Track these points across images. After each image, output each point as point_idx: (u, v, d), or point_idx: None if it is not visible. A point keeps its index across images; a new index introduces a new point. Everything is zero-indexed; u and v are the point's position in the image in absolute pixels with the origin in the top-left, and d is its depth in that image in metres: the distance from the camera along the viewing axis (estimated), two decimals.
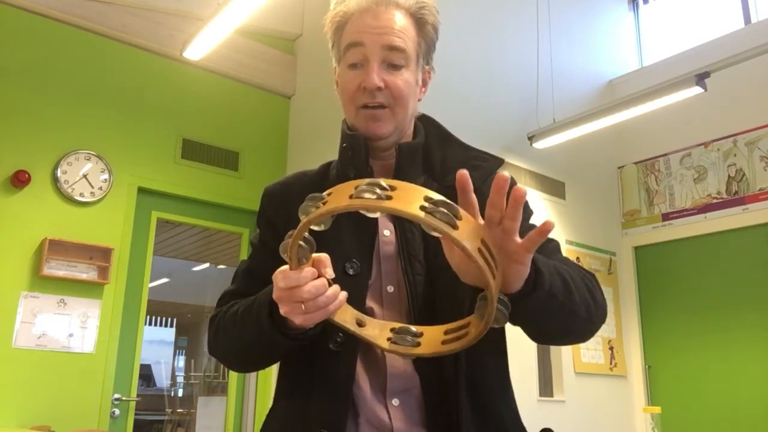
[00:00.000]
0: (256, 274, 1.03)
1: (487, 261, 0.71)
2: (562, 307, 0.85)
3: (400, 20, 1.01)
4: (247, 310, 0.96)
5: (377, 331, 0.89)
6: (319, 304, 0.82)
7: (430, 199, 0.70)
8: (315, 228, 0.78)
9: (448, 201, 0.70)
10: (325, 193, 0.75)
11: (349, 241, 0.99)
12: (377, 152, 1.06)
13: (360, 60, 1.01)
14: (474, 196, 0.75)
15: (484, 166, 1.06)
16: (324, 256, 0.84)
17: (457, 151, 1.09)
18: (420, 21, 1.04)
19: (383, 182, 0.71)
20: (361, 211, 0.73)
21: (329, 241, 0.95)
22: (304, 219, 0.75)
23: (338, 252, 0.96)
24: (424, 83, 1.10)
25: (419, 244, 0.99)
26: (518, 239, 0.74)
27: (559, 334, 0.95)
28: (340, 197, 0.72)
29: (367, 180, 0.72)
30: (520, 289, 0.79)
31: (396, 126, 1.04)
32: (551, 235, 0.86)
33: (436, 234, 0.70)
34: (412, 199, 0.70)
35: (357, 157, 1.04)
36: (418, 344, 0.86)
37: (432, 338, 0.85)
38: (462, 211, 0.71)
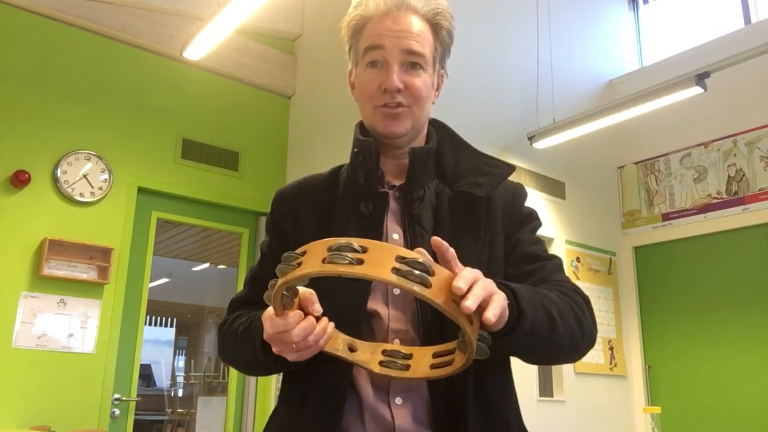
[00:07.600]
0: (261, 281, 1.04)
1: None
2: (544, 341, 0.89)
3: (418, 25, 1.04)
4: (244, 332, 0.98)
5: (368, 354, 0.92)
6: (309, 343, 0.84)
7: (402, 258, 0.70)
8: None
9: (420, 259, 0.71)
10: (299, 250, 0.76)
11: None
12: (391, 151, 1.07)
13: (380, 60, 1.03)
14: (452, 252, 0.77)
15: (495, 172, 1.08)
16: (310, 293, 0.85)
17: (469, 156, 1.10)
18: (436, 26, 1.06)
19: (355, 244, 0.71)
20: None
21: None
22: (281, 279, 0.76)
23: None
24: (438, 87, 1.11)
25: (429, 249, 0.99)
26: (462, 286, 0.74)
27: (544, 361, 1.01)
28: (313, 259, 0.73)
29: (339, 242, 0.72)
30: (500, 328, 0.82)
31: (413, 125, 1.05)
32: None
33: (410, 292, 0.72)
34: (384, 261, 0.70)
35: (367, 162, 1.05)
36: (408, 367, 0.89)
37: (421, 362, 0.89)
38: (435, 266, 0.72)
